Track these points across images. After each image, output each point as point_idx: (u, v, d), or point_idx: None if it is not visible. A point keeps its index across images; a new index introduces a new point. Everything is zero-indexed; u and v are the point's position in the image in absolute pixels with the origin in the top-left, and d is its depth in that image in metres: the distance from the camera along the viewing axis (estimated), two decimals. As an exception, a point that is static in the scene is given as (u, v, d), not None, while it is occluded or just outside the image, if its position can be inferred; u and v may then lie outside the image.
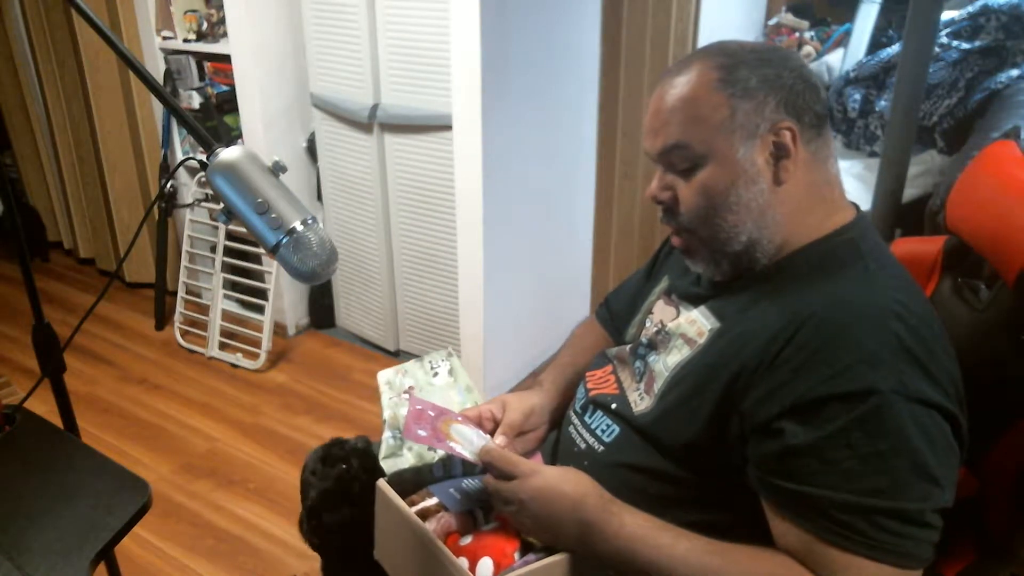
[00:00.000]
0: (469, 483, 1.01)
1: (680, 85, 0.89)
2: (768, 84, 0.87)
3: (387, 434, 1.06)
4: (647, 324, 1.06)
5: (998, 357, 0.94)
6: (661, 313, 1.04)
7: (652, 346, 1.01)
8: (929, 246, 1.10)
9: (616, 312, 1.24)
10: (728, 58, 0.88)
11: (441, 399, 1.11)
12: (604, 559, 0.87)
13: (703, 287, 1.00)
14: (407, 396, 1.10)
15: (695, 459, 0.90)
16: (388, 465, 1.03)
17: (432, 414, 0.99)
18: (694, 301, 0.99)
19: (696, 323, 0.95)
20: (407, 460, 1.03)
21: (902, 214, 1.62)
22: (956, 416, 0.81)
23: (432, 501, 1.00)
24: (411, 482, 1.03)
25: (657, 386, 0.96)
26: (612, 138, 2.39)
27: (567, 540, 0.88)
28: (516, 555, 0.90)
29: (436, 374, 1.14)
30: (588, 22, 2.27)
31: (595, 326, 1.28)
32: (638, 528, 0.85)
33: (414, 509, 0.98)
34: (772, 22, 2.72)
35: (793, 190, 0.89)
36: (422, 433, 0.95)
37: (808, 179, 0.90)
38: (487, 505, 0.98)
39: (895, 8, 2.34)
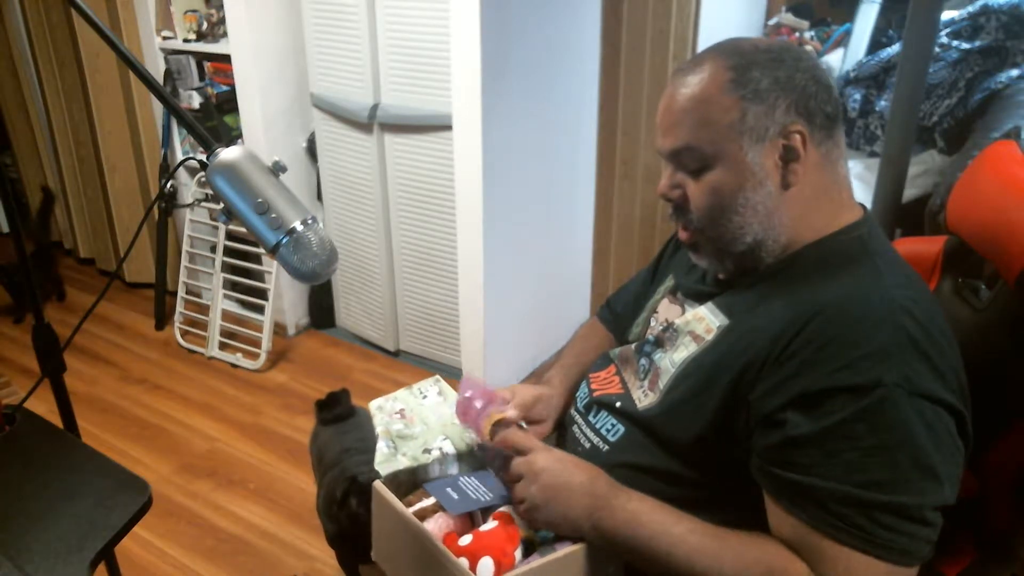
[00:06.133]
0: (466, 481, 1.01)
1: (691, 85, 0.89)
2: (780, 86, 0.87)
3: (381, 443, 1.07)
4: (652, 323, 1.06)
5: (998, 357, 0.95)
6: (666, 312, 1.05)
7: (659, 343, 1.01)
8: (929, 246, 1.10)
9: (618, 313, 1.24)
10: (740, 58, 0.88)
11: (433, 412, 1.12)
12: (608, 535, 0.88)
13: (709, 284, 1.01)
14: (399, 414, 1.12)
15: (701, 455, 0.91)
16: (383, 470, 1.03)
17: (479, 406, 1.02)
18: (700, 298, 0.99)
19: (704, 320, 0.95)
20: (401, 463, 1.04)
21: (902, 214, 1.62)
22: (962, 413, 0.81)
23: (429, 501, 1.00)
24: (407, 483, 1.04)
25: (663, 382, 0.96)
26: (612, 138, 2.39)
27: (576, 512, 0.89)
28: (517, 554, 0.90)
29: (425, 397, 1.17)
30: (588, 22, 2.27)
31: (598, 327, 1.29)
32: (641, 504, 0.88)
33: (411, 510, 0.97)
34: (772, 22, 2.72)
35: (801, 192, 0.89)
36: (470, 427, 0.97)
37: (817, 181, 0.90)
38: (485, 504, 0.98)
39: (895, 8, 2.34)
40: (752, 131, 0.87)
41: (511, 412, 1.05)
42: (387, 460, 1.04)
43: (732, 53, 0.89)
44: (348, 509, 1.18)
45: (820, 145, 0.89)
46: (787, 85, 0.87)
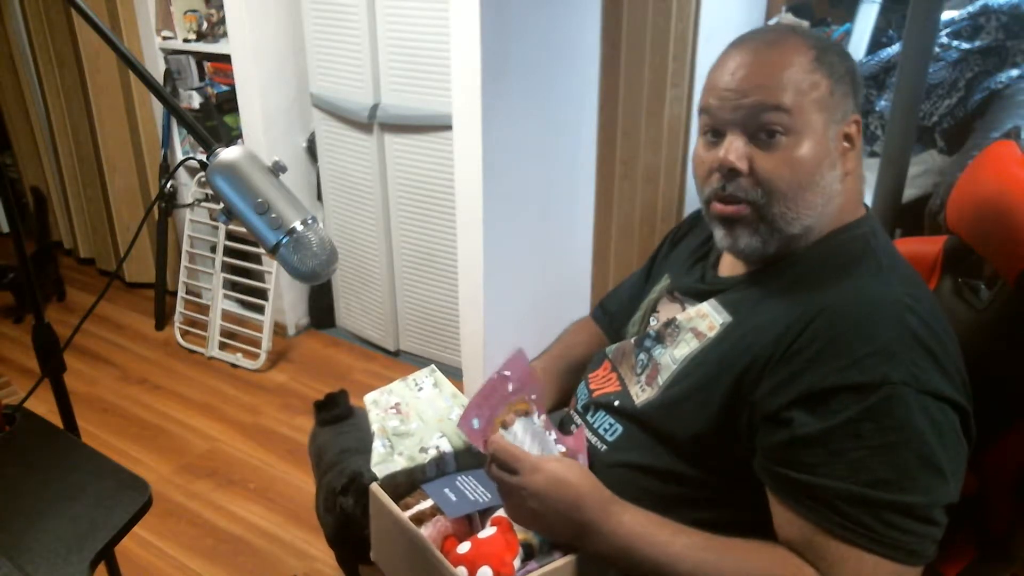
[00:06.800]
0: (463, 480, 1.01)
1: (778, 51, 0.87)
2: (850, 75, 0.89)
3: (377, 443, 1.06)
4: (652, 321, 1.06)
5: (998, 357, 0.95)
6: (666, 310, 1.04)
7: (659, 339, 1.00)
8: (929, 246, 1.10)
9: (612, 313, 1.24)
10: (818, 40, 0.89)
11: (429, 407, 1.11)
12: (601, 556, 0.87)
13: (708, 283, 1.00)
14: (394, 409, 1.10)
15: (701, 453, 0.90)
16: (380, 470, 1.02)
17: (509, 390, 0.96)
18: (700, 297, 0.99)
19: (708, 317, 0.95)
20: (398, 464, 1.03)
21: (902, 214, 1.62)
22: (966, 409, 0.81)
23: (427, 504, 0.99)
24: (404, 484, 1.03)
25: (662, 378, 0.96)
26: (612, 138, 2.39)
27: (564, 537, 0.88)
28: (516, 563, 0.89)
29: (421, 389, 1.15)
30: (588, 22, 2.27)
31: (590, 324, 1.29)
32: (636, 526, 0.85)
33: (409, 513, 0.97)
34: (772, 22, 2.72)
35: (849, 183, 0.91)
36: (475, 424, 0.93)
37: (857, 173, 0.92)
38: (483, 506, 0.98)
39: (895, 8, 2.34)
40: (834, 110, 0.87)
41: (535, 406, 1.01)
42: (384, 460, 1.03)
43: (806, 34, 0.89)
44: (343, 506, 1.18)
45: (859, 140, 0.91)
46: (854, 77, 0.89)
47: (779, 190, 0.86)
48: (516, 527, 0.93)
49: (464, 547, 0.91)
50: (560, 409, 1.19)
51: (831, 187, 0.88)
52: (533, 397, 0.99)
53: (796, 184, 0.86)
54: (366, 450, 1.09)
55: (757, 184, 0.87)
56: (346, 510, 1.18)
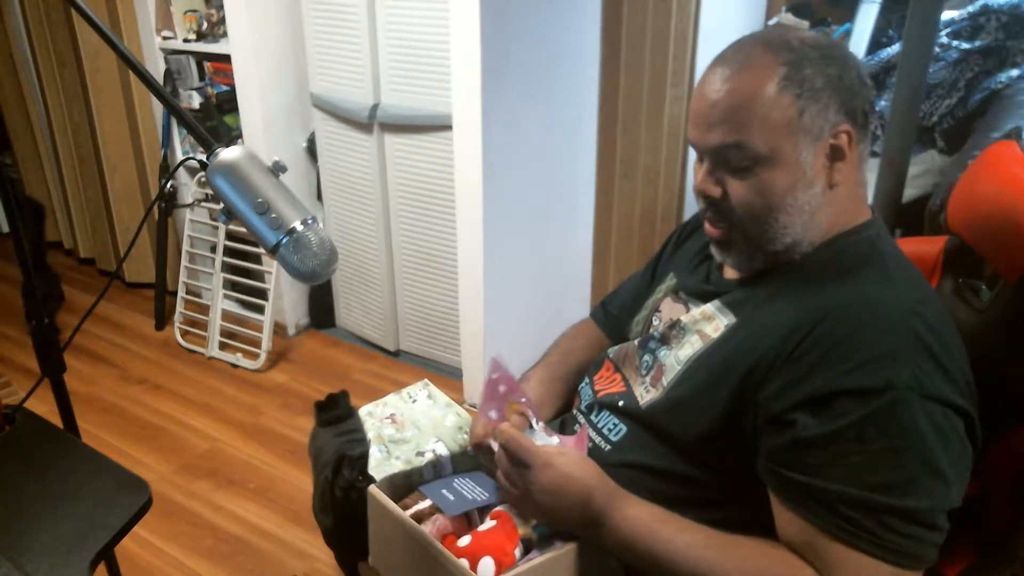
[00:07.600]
0: (461, 482, 1.01)
1: (741, 79, 0.85)
2: (832, 86, 0.85)
3: (374, 448, 1.07)
4: (655, 321, 1.06)
5: (999, 357, 0.94)
6: (670, 310, 1.04)
7: (664, 340, 1.00)
8: (929, 246, 1.10)
9: (614, 314, 1.24)
10: (792, 54, 0.85)
11: (424, 416, 1.11)
12: (607, 549, 0.87)
13: (713, 284, 1.00)
14: (389, 419, 1.11)
15: (705, 454, 0.90)
16: (377, 473, 1.03)
17: (502, 391, 0.99)
18: (704, 298, 0.99)
19: (714, 319, 0.95)
20: (395, 467, 1.04)
21: (902, 214, 1.62)
22: (971, 414, 0.81)
23: (426, 504, 0.99)
24: (403, 486, 1.03)
25: (666, 379, 0.96)
26: (612, 138, 2.39)
27: (568, 529, 0.89)
28: (517, 553, 0.90)
29: (415, 401, 1.16)
30: (588, 22, 2.27)
31: (589, 327, 1.28)
32: (640, 520, 0.86)
33: (408, 513, 0.97)
34: (772, 22, 2.73)
35: (840, 192, 0.89)
36: (493, 415, 0.95)
37: (852, 180, 0.90)
38: (482, 503, 0.98)
39: (895, 8, 2.34)
40: (807, 131, 0.85)
41: (528, 409, 1.02)
42: (380, 465, 1.04)
43: (782, 48, 0.85)
44: (342, 480, 1.17)
45: (859, 144, 0.88)
46: (838, 85, 0.85)
47: (750, 215, 0.88)
48: (516, 520, 0.93)
49: (464, 540, 0.91)
50: (559, 417, 1.19)
51: (809, 204, 0.87)
52: (523, 400, 1.01)
53: (766, 209, 0.87)
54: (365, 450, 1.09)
55: (732, 208, 0.89)
56: (348, 486, 1.17)
